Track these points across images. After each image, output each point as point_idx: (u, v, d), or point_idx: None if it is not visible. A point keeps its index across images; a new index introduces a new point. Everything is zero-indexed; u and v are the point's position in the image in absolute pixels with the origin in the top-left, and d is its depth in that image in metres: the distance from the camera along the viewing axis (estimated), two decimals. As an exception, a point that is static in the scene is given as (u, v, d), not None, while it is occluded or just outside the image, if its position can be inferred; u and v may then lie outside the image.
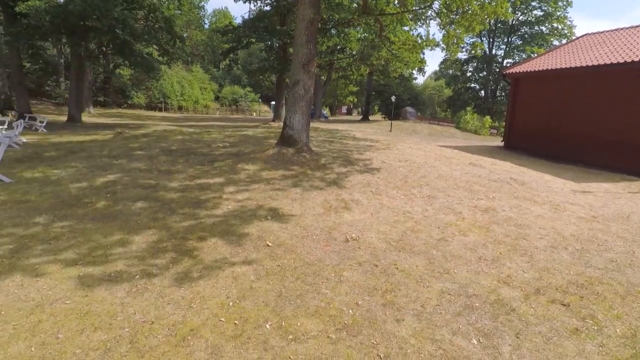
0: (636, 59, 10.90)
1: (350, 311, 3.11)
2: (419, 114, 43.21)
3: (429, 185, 7.32)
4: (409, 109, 38.37)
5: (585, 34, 17.29)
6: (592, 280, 3.86)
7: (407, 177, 7.79)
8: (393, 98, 26.01)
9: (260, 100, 50.54)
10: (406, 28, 23.31)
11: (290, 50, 20.46)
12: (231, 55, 24.14)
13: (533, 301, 3.39)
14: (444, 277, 3.74)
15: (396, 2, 15.50)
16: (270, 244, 4.31)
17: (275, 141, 9.80)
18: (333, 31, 22.71)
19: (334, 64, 30.13)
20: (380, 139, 14.92)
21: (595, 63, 12.32)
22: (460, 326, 2.99)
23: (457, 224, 5.36)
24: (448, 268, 3.94)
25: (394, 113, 30.89)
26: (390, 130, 22.98)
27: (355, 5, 19.73)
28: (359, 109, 63.47)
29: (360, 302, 3.25)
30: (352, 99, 52.31)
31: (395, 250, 4.30)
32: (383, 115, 46.42)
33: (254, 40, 22.30)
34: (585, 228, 5.57)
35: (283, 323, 2.91)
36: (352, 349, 2.67)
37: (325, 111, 47.78)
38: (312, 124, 18.21)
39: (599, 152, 12.15)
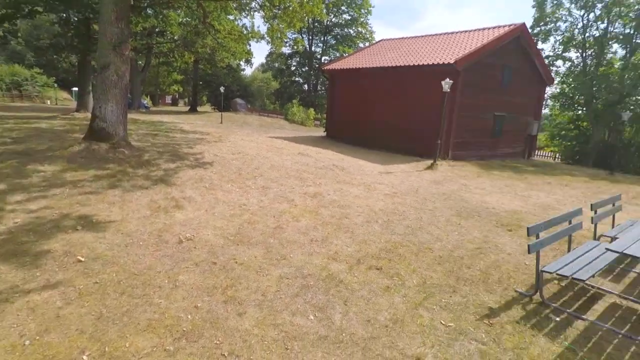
0: (418, 63, 13.74)
1: (189, 316, 2.93)
2: (249, 106, 43.69)
3: (263, 176, 7.52)
4: (239, 100, 38.38)
5: (382, 40, 20.72)
6: (396, 245, 4.72)
7: (241, 170, 7.79)
8: (222, 89, 25.43)
9: (56, 85, 41.44)
10: (231, 17, 23.02)
11: (96, 27, 17.46)
12: (5, 24, 18.87)
13: (355, 270, 3.92)
14: (281, 263, 3.92)
15: (218, -11, 15.07)
16: (82, 259, 3.63)
17: (82, 135, 8.28)
18: (149, 11, 20.46)
19: (152, 48, 27.32)
20: (211, 132, 14.43)
21: (390, 64, 14.95)
22: (299, 306, 3.19)
23: (291, 210, 5.69)
24: (285, 254, 4.15)
25: (223, 104, 30.36)
26: (221, 122, 22.51)
27: (172, -14, 18.24)
28: (186, 100, 59.79)
29: (199, 305, 3.09)
30: (177, 88, 48.73)
31: (234, 245, 4.26)
32: (213, 107, 45.03)
33: (40, 9, 17.99)
34: (389, 202, 6.74)
35: (106, 349, 2.51)
36: (194, 355, 2.52)
37: (146, 101, 43.06)
38: (131, 115, 16.17)
39: (398, 139, 14.88)
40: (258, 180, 7.18)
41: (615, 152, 17.68)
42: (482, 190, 8.76)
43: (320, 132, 21.97)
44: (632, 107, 19.51)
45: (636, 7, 20.89)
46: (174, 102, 57.96)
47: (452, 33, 16.64)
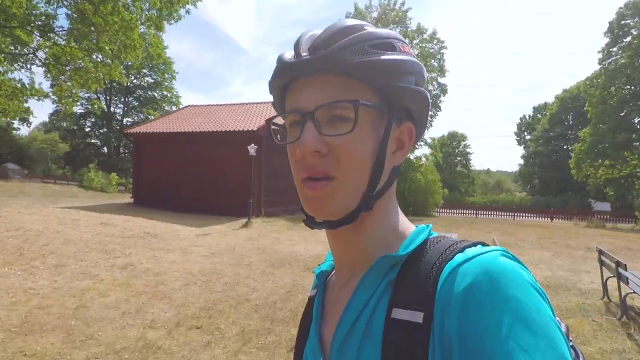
0: (226, 129, 14.77)
1: None
2: (26, 172, 35.73)
3: (55, 253, 6.50)
4: (11, 165, 30.97)
5: (189, 105, 21.26)
6: (215, 302, 4.95)
7: (22, 249, 6.51)
8: (-16, 153, 20.30)
9: None
10: (1, 69, 19.19)
11: None
12: None
13: (175, 333, 3.94)
14: (88, 344, 3.58)
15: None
16: None
17: None
18: None
19: None
20: (-31, 207, 11.29)
21: (199, 130, 15.50)
22: (113, 383, 3.03)
23: (96, 287, 5.17)
24: (91, 333, 3.79)
25: (-13, 172, 23.96)
26: (-16, 194, 17.69)
27: None
28: None
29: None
30: None
31: (20, 336, 3.61)
32: (-32, 175, 34.65)
33: None
34: (207, 263, 6.91)
35: None
36: None
37: None
38: None
39: (213, 201, 15.14)
40: (48, 259, 6.16)
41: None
42: (291, 241, 9.90)
43: (127, 198, 19.98)
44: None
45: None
46: None
47: (254, 103, 18.73)
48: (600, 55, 24.28)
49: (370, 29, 0.50)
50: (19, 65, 17.69)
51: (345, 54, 0.46)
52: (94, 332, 3.82)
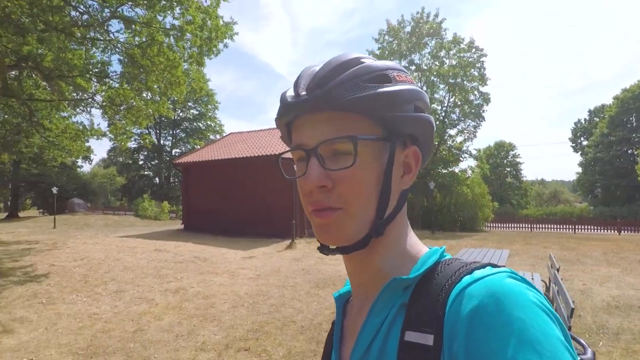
0: (266, 153, 15.23)
1: None
2: (89, 205, 38.79)
3: (115, 280, 6.95)
4: (77, 200, 33.88)
5: (231, 133, 22.22)
6: (262, 324, 5.02)
7: (87, 277, 7.04)
8: (54, 190, 22.29)
9: None
10: (65, 114, 21.26)
11: None
12: None
13: (224, 356, 4.05)
14: (145, 366, 3.77)
15: (48, 87, 14.20)
16: None
17: None
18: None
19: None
20: (41, 239, 12.43)
21: (241, 155, 16.12)
22: (168, 404, 3.15)
23: (151, 311, 5.45)
24: (148, 355, 3.99)
25: (57, 206, 26.33)
26: (55, 227, 19.39)
27: (-13, 81, 16.29)
28: (0, 205, 49.32)
29: None
30: (-13, 193, 40.10)
31: (87, 358, 3.89)
32: (40, 210, 38.13)
33: None
34: (254, 285, 7.06)
35: None
36: None
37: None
38: None
39: (257, 224, 15.53)
40: (110, 285, 6.61)
41: (433, 214, 22.08)
42: (335, 261, 9.85)
43: (178, 225, 21.03)
44: (435, 178, 25.17)
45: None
46: (-19, 210, 47.11)
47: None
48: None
49: (368, 61, 0.52)
50: (80, 109, 19.53)
51: (340, 92, 0.49)
52: (151, 355, 4.02)
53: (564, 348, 0.37)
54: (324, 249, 0.56)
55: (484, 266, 0.48)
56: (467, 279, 0.45)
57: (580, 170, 42.43)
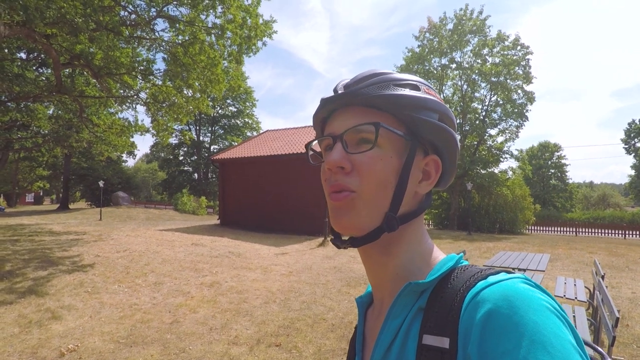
0: (300, 151, 15.30)
1: None
2: (132, 199, 40.80)
3: (154, 272, 7.23)
4: (121, 193, 35.70)
5: (267, 130, 22.53)
6: (293, 321, 5.03)
7: (128, 268, 7.36)
8: (101, 183, 23.61)
9: None
10: (112, 110, 22.37)
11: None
12: None
13: (256, 350, 4.08)
14: (180, 357, 3.87)
15: (97, 85, 14.98)
16: None
17: None
18: (11, 105, 18.74)
19: (12, 144, 24.38)
20: (88, 230, 13.18)
21: (276, 153, 16.29)
22: (201, 397, 3.21)
23: (187, 303, 5.61)
24: (183, 347, 4.10)
25: (103, 199, 27.90)
26: (100, 219, 20.53)
27: (44, 79, 17.44)
28: (53, 197, 52.95)
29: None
30: (42, 185, 43.16)
31: (127, 347, 4.05)
32: (88, 203, 40.59)
33: None
34: (286, 282, 7.10)
35: None
36: None
37: None
38: (-16, 220, 14.01)
39: (291, 221, 15.67)
40: (149, 277, 6.88)
41: (469, 215, 21.41)
42: (367, 260, 9.74)
43: (214, 220, 21.66)
44: (473, 179, 24.35)
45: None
46: (38, 201, 50.77)
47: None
48: None
49: (402, 74, 0.57)
50: (126, 106, 20.46)
51: (370, 90, 0.54)
52: (186, 346, 4.13)
53: (574, 351, 0.38)
54: (336, 240, 0.59)
55: (497, 272, 0.49)
56: (481, 284, 0.46)
57: (633, 173, 39.54)
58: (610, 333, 2.95)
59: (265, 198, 16.85)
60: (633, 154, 41.00)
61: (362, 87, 0.54)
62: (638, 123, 42.32)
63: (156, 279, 6.78)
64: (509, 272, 0.49)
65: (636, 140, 41.57)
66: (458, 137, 0.57)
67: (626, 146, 42.94)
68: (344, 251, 10.97)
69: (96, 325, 4.65)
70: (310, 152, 0.66)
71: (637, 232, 21.08)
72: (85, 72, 14.81)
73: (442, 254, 0.58)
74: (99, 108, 19.32)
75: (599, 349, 0.56)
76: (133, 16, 10.38)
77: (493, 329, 0.40)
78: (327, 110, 0.59)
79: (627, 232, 21.05)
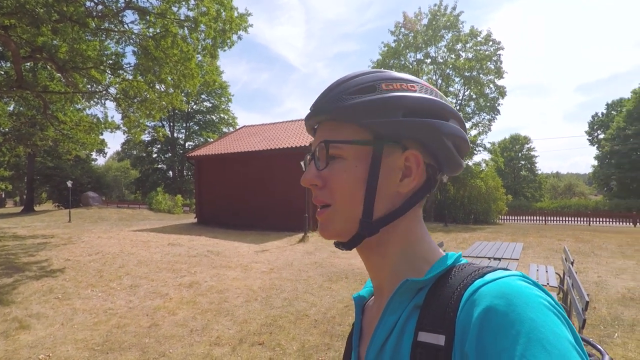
0: (278, 147, 15.14)
1: None
2: (103, 199, 39.36)
3: (130, 275, 6.98)
4: (91, 193, 34.32)
5: (244, 126, 22.20)
6: (275, 318, 4.97)
7: (102, 272, 7.08)
8: (69, 183, 22.58)
9: None
10: (79, 106, 21.38)
11: None
12: None
13: (239, 350, 4.00)
14: (160, 362, 3.74)
15: (62, 79, 14.26)
16: None
17: None
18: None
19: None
20: (56, 233, 12.60)
21: (254, 149, 16.06)
22: (184, 402, 3.11)
23: (166, 305, 5.44)
24: (163, 351, 3.96)
25: (72, 200, 26.72)
26: (70, 221, 19.67)
27: (2, 73, 16.45)
28: (17, 199, 50.49)
29: None
30: (3, 186, 40.96)
31: (102, 354, 3.87)
32: (56, 204, 38.78)
33: None
34: (267, 279, 7.01)
35: None
36: None
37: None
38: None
39: (269, 217, 15.52)
40: (124, 280, 6.63)
41: (445, 207, 21.86)
42: (348, 255, 9.77)
43: (191, 218, 21.18)
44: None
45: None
46: (0, 203, 48.23)
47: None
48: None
49: (361, 77, 0.57)
50: (94, 102, 19.60)
51: (327, 106, 0.56)
52: (166, 350, 3.99)
53: (572, 348, 0.38)
54: (335, 242, 0.61)
55: (495, 270, 0.49)
56: (478, 281, 0.46)
57: (596, 163, 41.58)
58: (580, 316, 3.05)
59: (244, 195, 16.61)
60: (596, 145, 43.06)
61: (321, 104, 0.57)
62: (600, 116, 44.45)
63: (132, 282, 6.54)
64: (505, 270, 0.49)
65: (599, 132, 43.67)
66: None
67: (590, 138, 45.11)
68: (324, 247, 10.96)
69: (69, 333, 4.43)
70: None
71: (601, 219, 22.30)
72: (49, 66, 14.04)
73: (441, 252, 0.58)
74: (64, 104, 18.37)
75: (598, 346, 0.56)
76: (100, 7, 9.89)
77: (490, 326, 0.40)
78: (310, 126, 0.63)
79: (591, 219, 22.26)
